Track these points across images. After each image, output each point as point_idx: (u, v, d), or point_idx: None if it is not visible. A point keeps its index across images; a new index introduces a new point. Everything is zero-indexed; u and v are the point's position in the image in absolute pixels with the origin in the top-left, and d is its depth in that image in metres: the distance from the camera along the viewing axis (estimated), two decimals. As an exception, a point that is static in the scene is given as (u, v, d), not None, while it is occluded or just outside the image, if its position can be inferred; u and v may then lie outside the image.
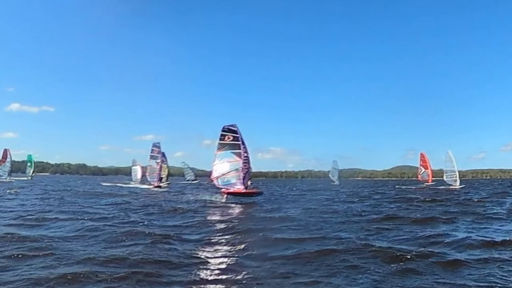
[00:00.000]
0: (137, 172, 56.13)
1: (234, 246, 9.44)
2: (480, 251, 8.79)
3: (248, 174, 24.39)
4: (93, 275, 6.48)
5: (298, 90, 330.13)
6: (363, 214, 16.93)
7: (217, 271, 6.98)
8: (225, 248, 9.21)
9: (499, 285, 6.20)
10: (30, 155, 77.55)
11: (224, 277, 6.59)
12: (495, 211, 18.47)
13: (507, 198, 28.27)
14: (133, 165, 59.44)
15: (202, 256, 8.22)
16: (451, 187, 49.17)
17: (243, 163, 23.95)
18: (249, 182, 24.88)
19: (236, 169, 24.03)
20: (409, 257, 7.90)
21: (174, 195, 31.30)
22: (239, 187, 23.93)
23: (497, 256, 8.12)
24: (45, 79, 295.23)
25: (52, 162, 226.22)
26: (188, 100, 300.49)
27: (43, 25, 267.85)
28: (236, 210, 19.00)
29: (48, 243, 9.23)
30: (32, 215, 14.70)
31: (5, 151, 63.64)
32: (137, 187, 45.05)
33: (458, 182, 50.81)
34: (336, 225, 13.22)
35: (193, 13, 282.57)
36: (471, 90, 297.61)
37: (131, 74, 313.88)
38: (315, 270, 7.13)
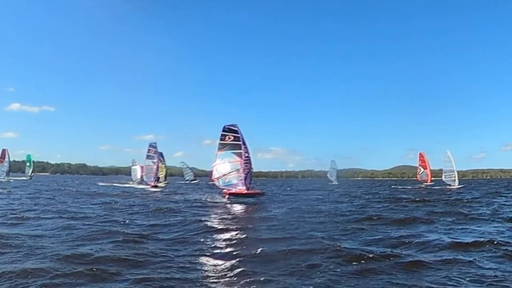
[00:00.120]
0: (137, 172, 56.54)
1: (204, 244, 9.57)
2: (447, 252, 8.77)
3: (249, 175, 24.17)
4: (53, 270, 6.73)
5: (298, 90, 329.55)
6: (346, 214, 17.02)
7: (175, 269, 7.08)
8: (195, 247, 9.29)
9: (449, 287, 6.26)
10: (29, 155, 78.25)
11: (178, 276, 6.68)
12: (481, 211, 18.47)
13: (498, 199, 28.25)
14: (132, 165, 59.88)
15: (169, 255, 8.32)
16: (449, 187, 49.12)
17: (244, 163, 23.79)
18: None
19: (237, 170, 23.87)
20: (371, 256, 7.98)
21: (166, 194, 31.44)
22: (241, 188, 23.69)
23: (461, 257, 8.10)
24: (45, 79, 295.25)
25: (53, 162, 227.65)
26: (188, 100, 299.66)
27: (43, 25, 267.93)
28: (221, 210, 19.10)
29: (23, 240, 9.52)
30: (15, 214, 14.89)
31: (4, 151, 63.94)
32: (133, 187, 45.25)
33: (456, 182, 50.69)
34: (314, 225, 13.28)
35: (193, 13, 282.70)
36: (471, 90, 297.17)
37: (131, 73, 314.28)
38: (274, 269, 7.21)
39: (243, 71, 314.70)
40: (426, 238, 10.32)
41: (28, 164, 75.94)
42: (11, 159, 65.57)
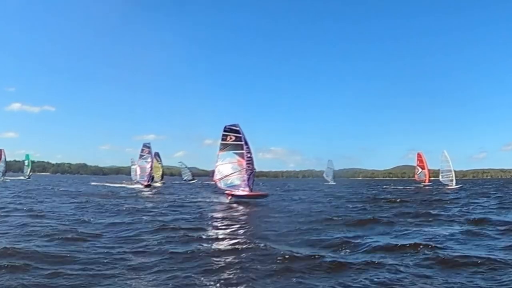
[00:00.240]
0: (136, 172, 56.93)
1: (145, 242, 9.78)
2: (377, 254, 8.63)
3: (252, 175, 23.68)
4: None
5: (298, 90, 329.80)
6: (312, 214, 17.09)
7: (101, 266, 7.34)
8: (134, 245, 9.49)
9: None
10: (28, 155, 78.83)
11: (100, 272, 6.95)
12: (450, 213, 18.42)
13: (480, 199, 28.02)
14: (132, 165, 60.20)
15: (104, 252, 8.55)
16: (447, 187, 49.00)
17: (247, 164, 23.29)
18: None
19: (239, 171, 23.40)
20: (297, 256, 8.12)
21: (154, 194, 31.78)
22: (244, 189, 23.30)
23: (385, 261, 7.98)
24: (46, 79, 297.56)
25: (53, 162, 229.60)
26: (189, 100, 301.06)
27: (44, 25, 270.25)
28: (193, 209, 19.26)
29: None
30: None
31: (0, 151, 64.55)
32: (123, 187, 45.60)
33: (454, 182, 50.53)
34: (272, 225, 13.47)
35: (194, 13, 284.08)
36: (471, 89, 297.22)
37: (132, 73, 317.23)
38: (195, 268, 7.41)
39: (243, 71, 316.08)
40: (366, 240, 10.28)
41: (26, 163, 76.51)
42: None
